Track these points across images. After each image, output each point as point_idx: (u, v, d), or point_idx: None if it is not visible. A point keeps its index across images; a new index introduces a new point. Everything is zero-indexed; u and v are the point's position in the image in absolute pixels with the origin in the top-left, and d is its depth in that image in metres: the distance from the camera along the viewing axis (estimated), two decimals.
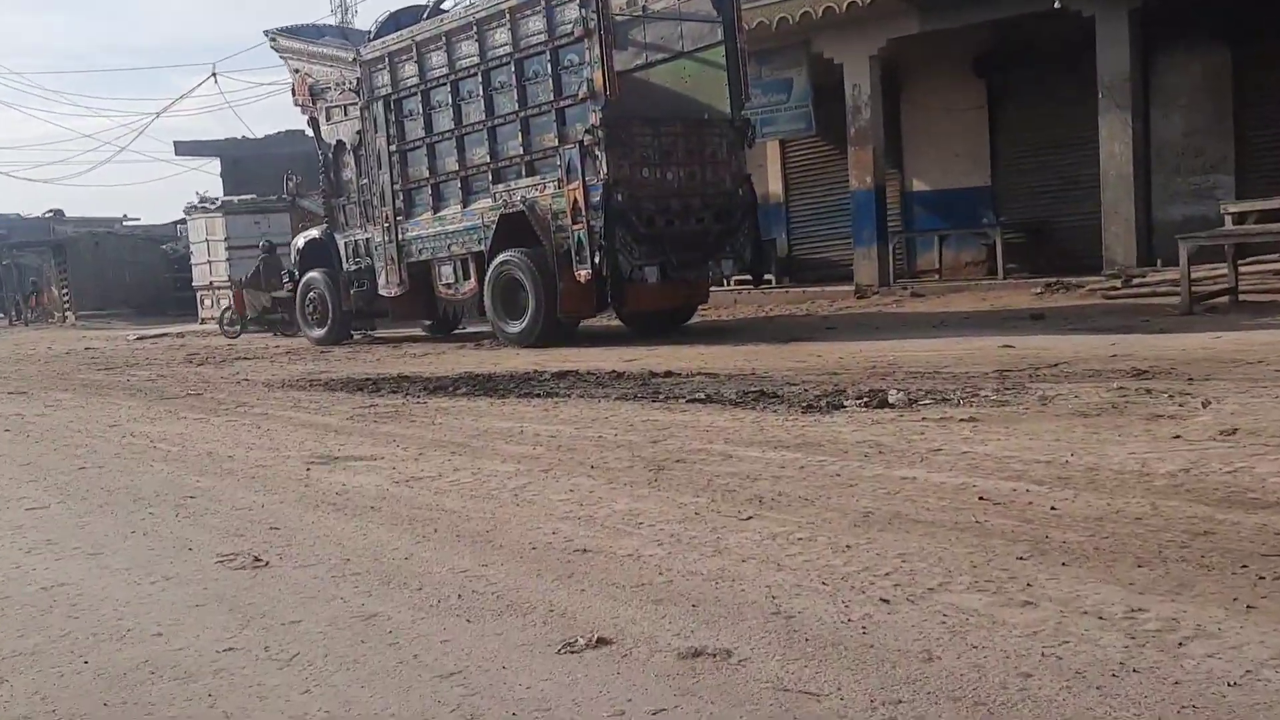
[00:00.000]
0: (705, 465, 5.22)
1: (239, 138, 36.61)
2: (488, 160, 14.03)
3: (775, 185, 19.93)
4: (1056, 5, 14.21)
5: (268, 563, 3.90)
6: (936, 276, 17.77)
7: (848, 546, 3.63)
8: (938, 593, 3.11)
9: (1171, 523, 3.63)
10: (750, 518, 4.12)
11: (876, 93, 16.84)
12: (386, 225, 15.47)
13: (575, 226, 12.88)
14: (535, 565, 3.68)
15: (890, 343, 10.90)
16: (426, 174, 14.90)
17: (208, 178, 36.31)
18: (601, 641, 2.88)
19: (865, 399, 7.05)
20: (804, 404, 7.09)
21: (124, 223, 46.76)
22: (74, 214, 50.18)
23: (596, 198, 12.66)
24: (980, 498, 4.14)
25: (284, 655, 2.93)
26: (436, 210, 14.83)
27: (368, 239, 15.93)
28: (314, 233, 17.24)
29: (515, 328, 13.70)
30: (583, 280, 12.89)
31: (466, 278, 14.61)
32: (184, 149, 37.05)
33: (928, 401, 6.82)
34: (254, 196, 24.85)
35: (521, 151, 13.61)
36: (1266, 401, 5.88)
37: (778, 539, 3.80)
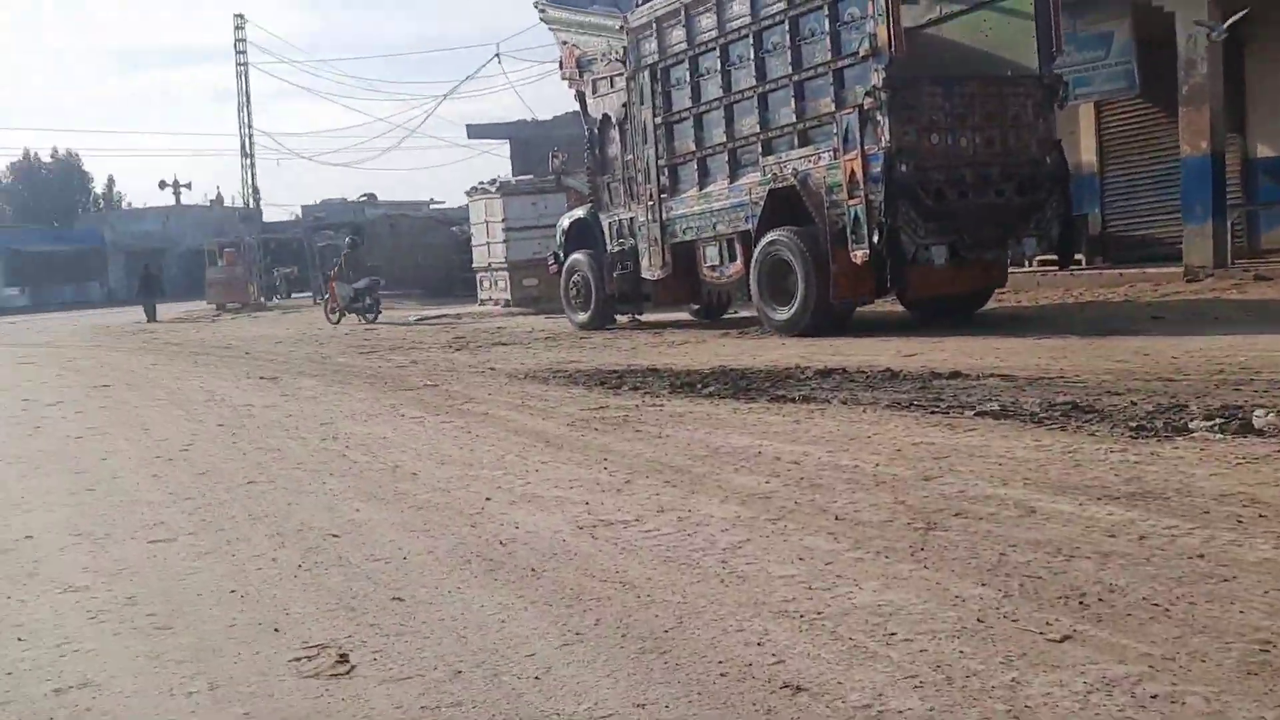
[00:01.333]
0: (994, 525, 3.75)
1: (529, 120, 36.87)
2: (757, 130, 12.71)
3: (1089, 154, 17.54)
4: None
5: (351, 668, 2.78)
6: None
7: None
8: None
9: None
10: (1066, 638, 2.66)
11: (1216, 44, 14.30)
12: (650, 203, 14.44)
13: (852, 202, 11.38)
14: (716, 710, 2.37)
15: (1237, 339, 8.84)
16: (692, 147, 13.75)
17: (499, 160, 36.86)
18: None
19: (1218, 420, 5.32)
20: (1132, 424, 5.43)
21: (430, 206, 48.61)
22: (385, 199, 52.74)
23: (877, 169, 11.10)
24: None
25: None
26: (702, 187, 13.66)
27: (631, 219, 14.97)
28: (579, 213, 16.46)
29: (783, 314, 12.35)
30: (859, 261, 11.39)
31: (732, 259, 13.37)
32: (475, 132, 37.74)
33: None
34: (532, 177, 24.55)
35: (794, 119, 12.21)
36: None
37: (1113, 689, 2.33)
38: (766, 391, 7.77)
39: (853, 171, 11.35)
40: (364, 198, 53.14)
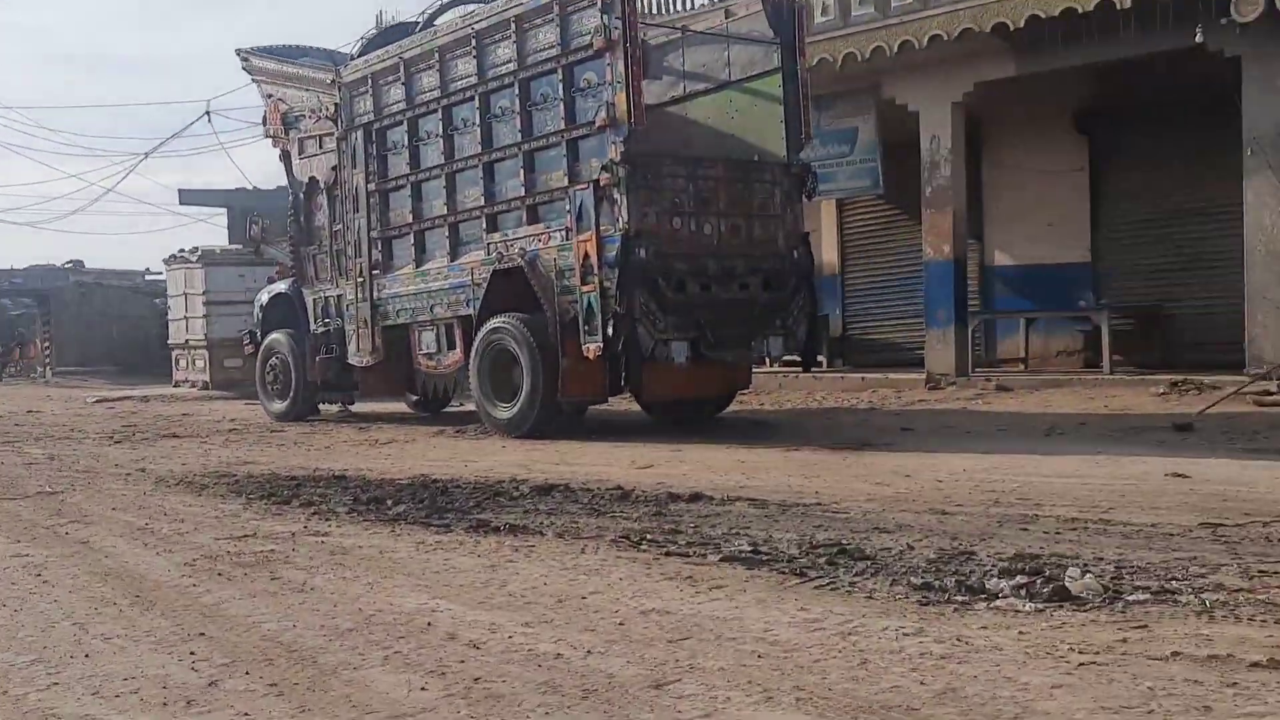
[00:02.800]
0: None
1: (248, 188, 34.25)
2: (482, 203, 11.30)
3: (830, 253, 17.07)
4: (1198, 39, 11.39)
5: None
6: (1021, 366, 14.81)
7: None
8: None
9: None
10: None
11: (959, 146, 14.03)
12: (360, 280, 12.73)
13: (585, 288, 10.08)
14: None
15: (998, 458, 7.98)
16: (409, 219, 12.20)
17: (216, 230, 33.90)
18: None
19: (1021, 579, 4.16)
20: (916, 581, 4.21)
21: (145, 277, 44.56)
22: (94, 265, 48.11)
23: (613, 252, 9.87)
24: None
25: None
26: (419, 264, 12.09)
27: (339, 296, 13.19)
28: (280, 287, 14.52)
29: (505, 413, 10.85)
30: (591, 356, 10.07)
31: (451, 347, 11.81)
32: (188, 198, 34.78)
33: (1140, 595, 3.90)
34: (240, 247, 22.23)
35: (523, 192, 10.87)
36: None
37: None
38: (468, 515, 6.21)
39: (586, 254, 10.08)
40: (69, 264, 48.48)
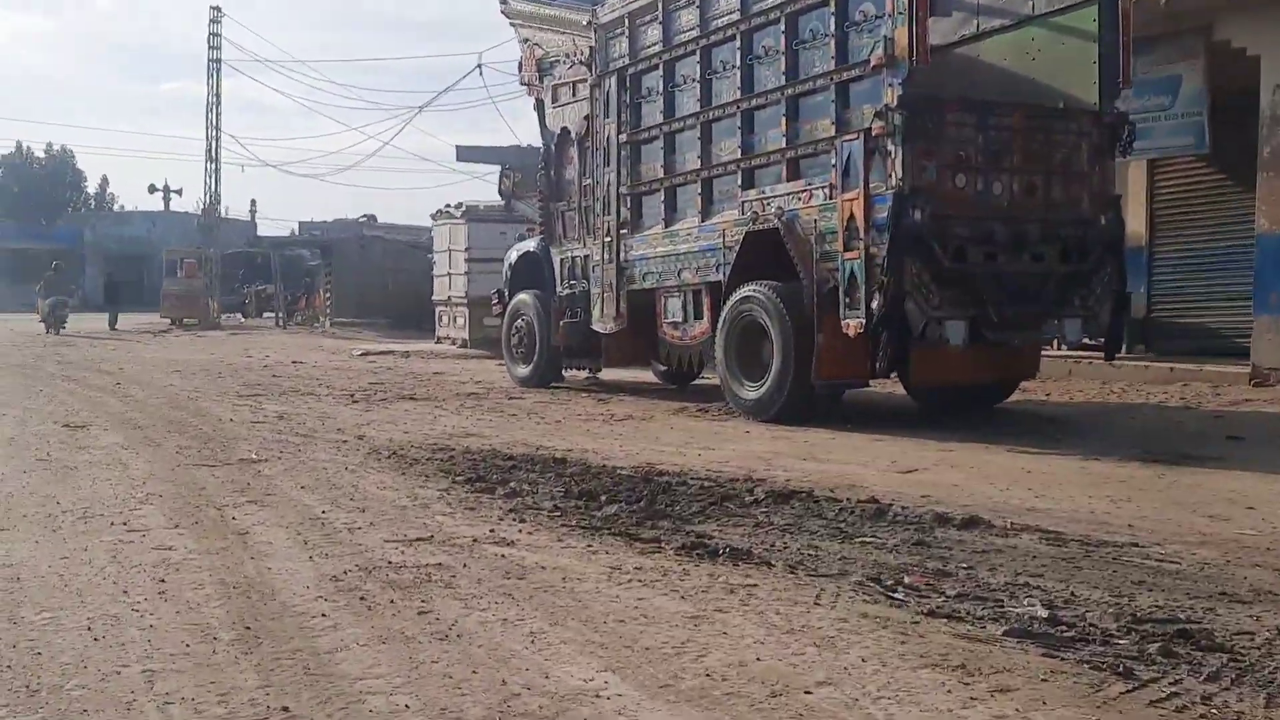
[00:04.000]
0: None
1: (523, 145, 34.31)
2: (738, 156, 10.13)
3: (1136, 222, 14.80)
4: None
5: None
6: None
7: None
8: None
9: None
10: None
11: None
12: (607, 240, 11.83)
13: (848, 255, 8.77)
14: None
15: None
16: (661, 173, 11.16)
17: (491, 187, 34.20)
18: None
19: None
20: None
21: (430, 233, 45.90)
22: (385, 220, 50.13)
23: (882, 213, 8.49)
24: None
25: None
26: (669, 223, 11.05)
27: (585, 256, 12.35)
28: (529, 245, 13.83)
29: (751, 393, 9.70)
30: (852, 333, 8.75)
31: (698, 316, 10.73)
32: (465, 155, 35.15)
33: None
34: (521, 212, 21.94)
35: (783, 144, 9.62)
36: None
37: None
38: (686, 526, 5.12)
39: (851, 215, 8.74)
40: (364, 218, 50.72)
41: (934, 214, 8.49)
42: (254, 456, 7.19)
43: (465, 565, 4.23)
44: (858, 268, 8.67)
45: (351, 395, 11.80)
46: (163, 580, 3.95)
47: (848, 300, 8.76)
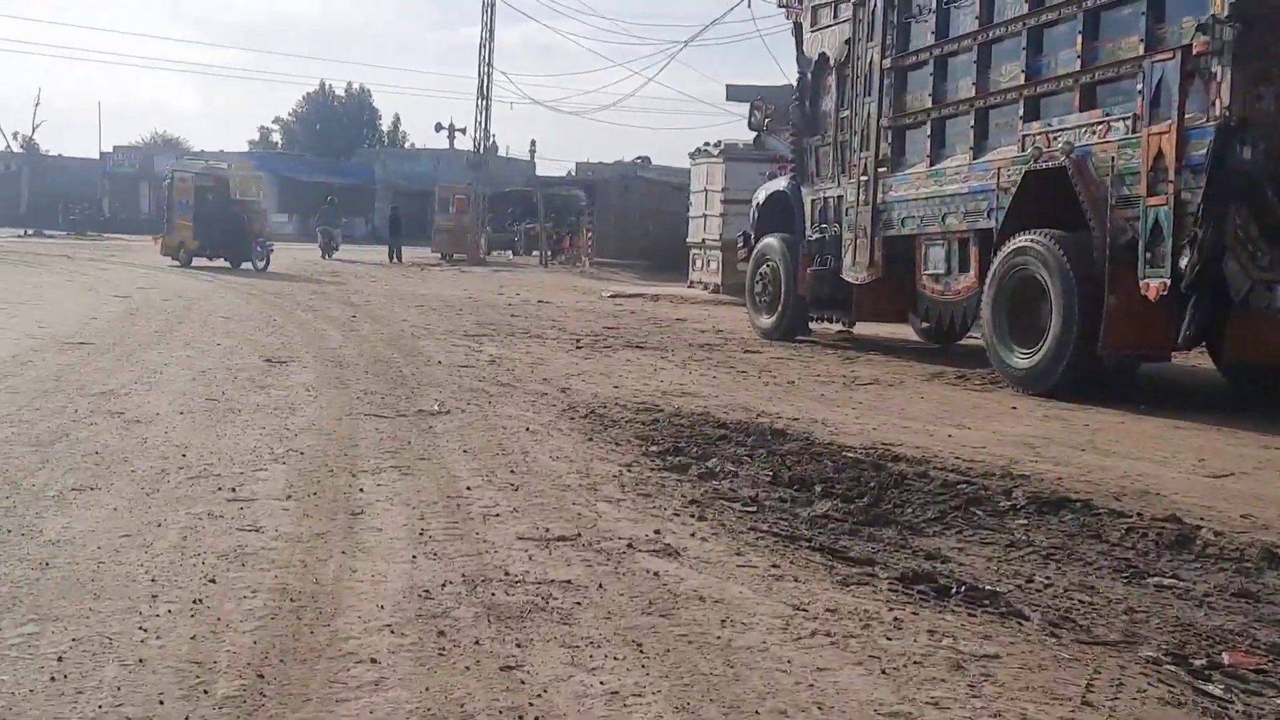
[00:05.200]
0: None
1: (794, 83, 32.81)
2: (1020, 82, 8.59)
3: None
4: None
5: None
6: None
7: None
8: None
9: None
10: None
11: None
12: (863, 179, 10.50)
13: (1152, 201, 7.17)
14: None
15: None
16: (928, 104, 9.72)
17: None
18: None
19: None
20: None
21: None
22: (659, 163, 49.78)
23: (1200, 150, 6.87)
24: None
25: None
26: (934, 161, 9.62)
27: (839, 197, 11.05)
28: (779, 184, 12.62)
29: (1023, 361, 8.25)
30: (1153, 295, 7.19)
31: (963, 269, 9.31)
32: (734, 94, 34.01)
33: None
34: (774, 149, 20.68)
35: (1078, 66, 8.03)
36: None
37: None
38: (912, 542, 3.96)
39: (1160, 151, 7.14)
40: (638, 159, 50.58)
41: (1269, 151, 6.79)
42: (435, 408, 6.45)
43: (600, 586, 3.23)
44: (1164, 216, 7.08)
45: (578, 340, 11.04)
46: (212, 581, 3.14)
47: (1149, 255, 7.19)
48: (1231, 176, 6.78)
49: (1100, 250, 7.58)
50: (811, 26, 11.55)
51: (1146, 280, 7.22)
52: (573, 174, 54.10)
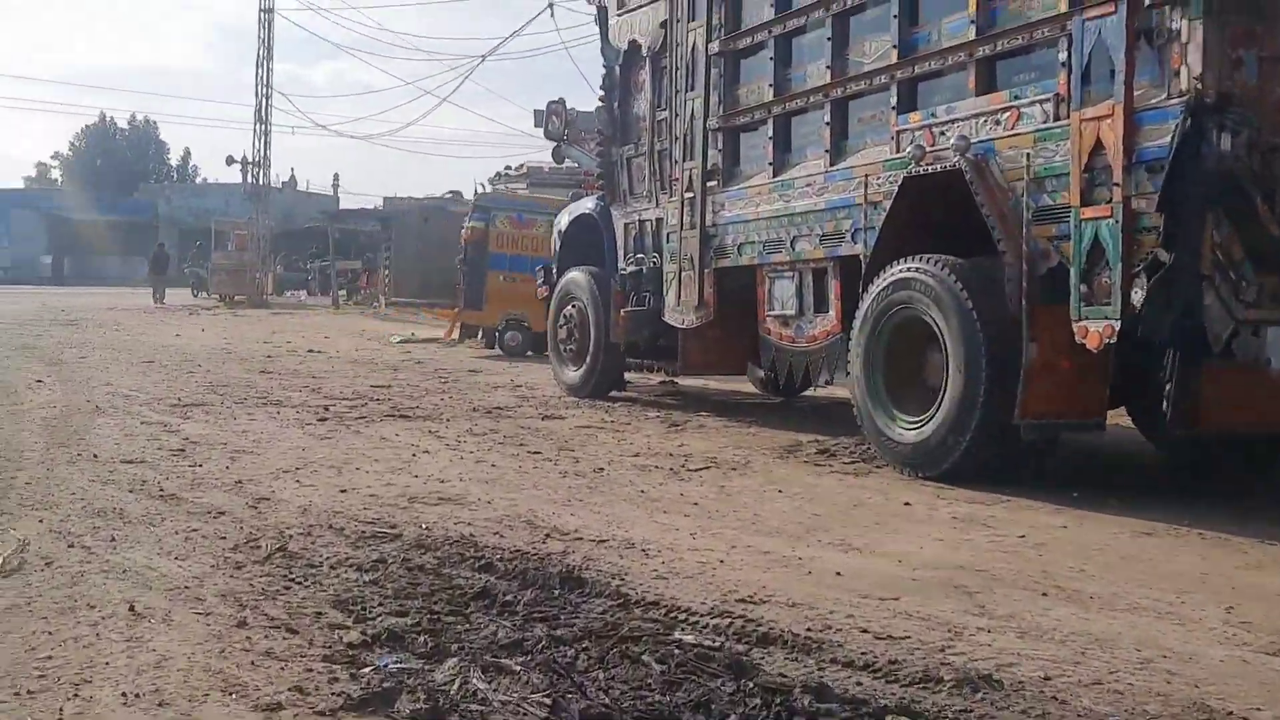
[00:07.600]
0: None
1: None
2: (892, 60, 6.51)
3: None
4: None
5: None
6: None
7: None
8: None
9: None
10: None
11: None
12: (688, 195, 8.29)
13: (1089, 212, 5.15)
14: None
15: None
16: (769, 96, 7.57)
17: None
18: None
19: None
20: None
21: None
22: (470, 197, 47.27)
23: (1158, 140, 4.87)
24: None
25: None
26: (779, 169, 7.47)
27: (657, 220, 8.82)
28: (587, 205, 10.31)
29: (908, 432, 6.11)
30: (1094, 344, 5.15)
31: (821, 309, 7.15)
32: (544, 119, 31.87)
33: None
34: (575, 165, 18.43)
35: (972, 34, 5.99)
36: None
37: None
38: None
39: (1099, 144, 5.12)
40: (449, 194, 47.96)
41: (1252, 141, 4.83)
42: None
43: None
44: (1108, 233, 5.05)
45: (326, 409, 8.41)
46: None
47: (1085, 289, 5.14)
48: (1207, 175, 4.78)
49: (1014, 282, 5.52)
50: (619, 8, 9.30)
51: (1084, 323, 5.17)
52: (379, 208, 51.16)
